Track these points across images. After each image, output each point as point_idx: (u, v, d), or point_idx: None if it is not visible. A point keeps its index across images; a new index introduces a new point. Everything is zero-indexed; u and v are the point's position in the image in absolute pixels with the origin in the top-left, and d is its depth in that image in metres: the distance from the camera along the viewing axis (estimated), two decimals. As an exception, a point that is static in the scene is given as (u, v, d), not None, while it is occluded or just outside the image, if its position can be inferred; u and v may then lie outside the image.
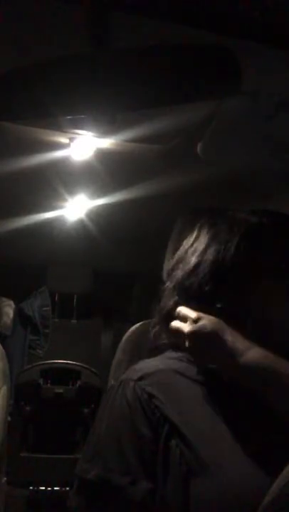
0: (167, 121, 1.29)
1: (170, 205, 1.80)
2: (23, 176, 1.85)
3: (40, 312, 3.33)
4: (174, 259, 0.87)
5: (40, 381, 2.78)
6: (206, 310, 0.77)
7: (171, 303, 0.83)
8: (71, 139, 1.54)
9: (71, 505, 0.73)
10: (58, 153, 1.62)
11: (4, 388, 1.55)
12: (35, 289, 3.36)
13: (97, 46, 0.77)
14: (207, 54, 0.72)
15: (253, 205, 0.93)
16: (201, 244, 0.81)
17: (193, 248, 0.82)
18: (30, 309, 3.30)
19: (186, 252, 0.84)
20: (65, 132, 1.49)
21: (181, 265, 0.83)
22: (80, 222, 2.58)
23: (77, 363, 2.86)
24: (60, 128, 1.45)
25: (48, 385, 2.81)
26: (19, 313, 3.28)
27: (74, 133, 1.49)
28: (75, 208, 2.42)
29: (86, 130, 1.43)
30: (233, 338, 0.72)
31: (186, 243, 0.85)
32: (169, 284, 0.85)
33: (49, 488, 2.53)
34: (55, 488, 2.53)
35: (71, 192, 2.15)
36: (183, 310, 0.79)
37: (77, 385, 2.81)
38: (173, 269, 0.86)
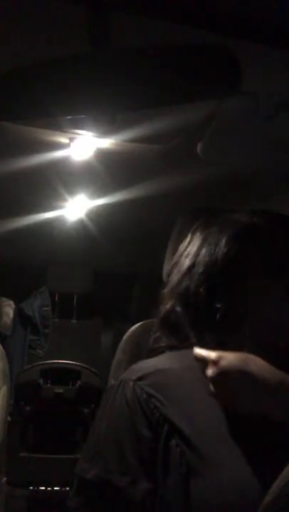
0: (167, 121, 1.29)
1: (170, 205, 1.80)
2: (23, 175, 1.85)
3: (40, 312, 3.33)
4: (170, 264, 0.87)
5: (40, 381, 2.78)
6: (204, 312, 0.76)
7: (167, 307, 0.83)
8: (71, 139, 1.54)
9: (70, 505, 0.73)
10: (58, 153, 1.62)
11: (4, 388, 1.55)
12: (35, 289, 3.36)
13: (97, 46, 0.76)
14: (207, 54, 0.72)
15: (253, 205, 0.93)
16: (194, 247, 0.82)
17: (187, 252, 0.83)
18: (30, 309, 3.30)
19: (180, 256, 0.84)
20: (65, 132, 1.49)
21: (176, 270, 0.84)
22: (80, 222, 2.58)
23: (77, 363, 2.86)
24: (60, 128, 1.45)
25: (48, 385, 2.81)
26: (19, 313, 3.28)
27: (74, 133, 1.49)
28: (75, 208, 2.42)
29: (86, 130, 1.43)
30: (261, 371, 0.68)
31: (181, 247, 0.86)
32: (166, 289, 0.85)
33: (49, 488, 2.53)
34: (55, 488, 2.53)
35: (71, 192, 2.15)
36: (199, 352, 0.74)
37: (77, 385, 2.81)
38: (169, 274, 0.86)
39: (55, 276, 3.29)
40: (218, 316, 0.75)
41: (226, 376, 0.69)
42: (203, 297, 0.77)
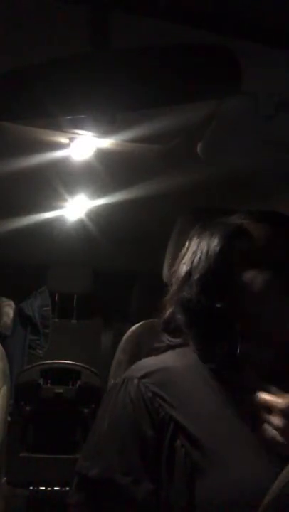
0: (167, 121, 1.29)
1: (170, 205, 1.80)
2: (23, 175, 1.85)
3: (40, 312, 3.33)
4: (170, 269, 0.88)
5: (40, 381, 2.78)
6: (206, 314, 0.77)
7: (168, 314, 0.84)
8: (71, 139, 1.54)
9: (70, 503, 0.73)
10: (58, 153, 1.62)
11: (4, 388, 1.55)
12: (35, 289, 3.36)
13: (97, 46, 0.76)
14: (207, 54, 0.72)
15: (253, 205, 0.93)
16: (189, 254, 0.83)
17: (184, 260, 0.84)
18: (30, 309, 3.30)
19: (179, 263, 0.85)
20: (65, 132, 1.49)
21: (175, 277, 0.85)
22: (80, 222, 2.58)
23: (77, 363, 2.86)
24: (60, 128, 1.45)
25: (48, 385, 2.81)
26: (19, 313, 3.28)
27: (74, 133, 1.49)
28: (75, 208, 2.42)
29: (86, 130, 1.43)
30: None
31: (180, 254, 0.86)
32: (167, 297, 0.86)
33: (49, 488, 2.52)
34: (55, 488, 2.52)
35: (71, 192, 2.15)
36: (263, 397, 0.70)
37: (77, 385, 2.81)
38: (169, 280, 0.87)
39: (55, 276, 3.29)
40: (218, 316, 0.75)
41: None
42: (202, 303, 0.77)
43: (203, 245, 0.80)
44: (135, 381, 0.74)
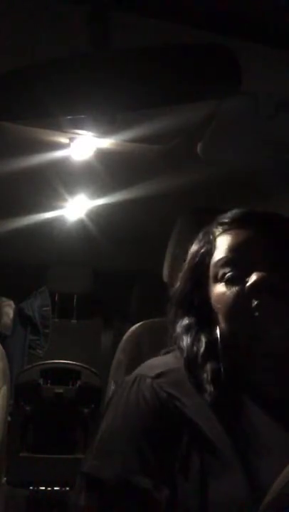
0: (167, 121, 1.29)
1: (170, 205, 1.80)
2: (23, 175, 1.85)
3: (40, 312, 3.33)
4: (171, 267, 0.88)
5: (40, 381, 2.78)
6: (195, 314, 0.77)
7: (170, 317, 0.83)
8: (71, 139, 1.54)
9: (80, 506, 0.68)
10: (58, 153, 1.63)
11: (4, 388, 1.55)
12: (35, 289, 3.36)
13: (97, 46, 0.76)
14: (207, 54, 0.72)
15: (253, 205, 0.93)
16: (190, 256, 0.83)
17: (186, 261, 0.84)
18: (30, 309, 3.30)
19: (184, 265, 0.85)
20: (65, 132, 1.49)
21: (174, 287, 0.85)
22: (80, 222, 2.58)
23: (77, 363, 2.86)
24: (60, 128, 1.45)
25: (48, 385, 2.81)
26: (19, 313, 3.28)
27: (74, 133, 1.49)
28: (75, 208, 2.42)
29: (86, 130, 1.43)
30: None
31: (186, 257, 0.86)
32: (171, 297, 0.85)
33: (49, 488, 2.52)
34: (55, 488, 2.52)
35: (71, 192, 2.15)
36: None
37: (77, 385, 2.81)
38: (172, 280, 0.88)
39: (55, 276, 3.29)
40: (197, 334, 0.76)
41: None
42: (204, 310, 0.77)
43: (195, 251, 0.81)
44: (148, 380, 0.73)
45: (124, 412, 0.72)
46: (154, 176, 1.83)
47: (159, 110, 1.12)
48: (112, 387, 1.44)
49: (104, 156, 1.66)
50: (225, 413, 0.68)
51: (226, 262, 0.73)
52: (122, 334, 1.48)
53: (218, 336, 0.74)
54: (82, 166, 1.76)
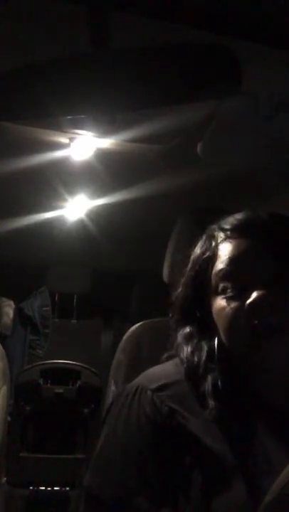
0: (167, 121, 1.29)
1: (170, 205, 1.80)
2: (23, 175, 1.85)
3: (40, 312, 3.33)
4: (171, 267, 0.86)
5: (40, 381, 2.78)
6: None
7: (172, 324, 0.82)
8: (71, 139, 1.54)
9: None
10: (58, 153, 1.63)
11: (4, 388, 1.55)
12: (35, 289, 3.36)
13: (97, 46, 0.76)
14: (207, 54, 0.72)
15: (253, 205, 0.93)
16: (187, 270, 0.82)
17: (188, 264, 0.82)
18: (30, 309, 3.30)
19: (186, 268, 0.84)
20: (65, 132, 1.49)
21: (176, 292, 0.83)
22: (80, 222, 2.58)
23: (77, 363, 2.86)
24: (60, 128, 1.45)
25: (48, 385, 2.81)
26: (19, 313, 3.28)
27: (74, 133, 1.49)
28: (75, 208, 2.42)
29: (86, 130, 1.43)
30: None
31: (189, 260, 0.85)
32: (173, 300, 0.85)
33: (49, 488, 2.52)
34: (55, 488, 2.52)
35: (71, 192, 2.15)
36: None
37: (77, 385, 2.81)
38: (172, 281, 0.87)
39: (55, 276, 3.29)
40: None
41: None
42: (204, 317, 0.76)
43: (196, 257, 0.79)
44: (149, 393, 0.71)
45: (125, 430, 0.70)
46: (154, 176, 1.83)
47: (159, 110, 1.12)
48: (112, 387, 1.44)
49: (104, 156, 1.66)
50: (229, 427, 0.66)
51: (225, 275, 0.71)
52: (122, 334, 1.48)
53: (216, 347, 0.72)
54: (82, 166, 1.76)
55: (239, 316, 0.68)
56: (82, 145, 1.57)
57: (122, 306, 3.03)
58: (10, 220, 2.40)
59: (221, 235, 0.75)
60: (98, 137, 1.50)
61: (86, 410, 2.77)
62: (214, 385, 0.69)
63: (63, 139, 1.54)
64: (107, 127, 1.31)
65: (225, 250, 0.73)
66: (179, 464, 0.65)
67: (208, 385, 0.69)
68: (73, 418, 2.79)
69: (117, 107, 0.78)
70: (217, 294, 0.72)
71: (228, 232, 0.74)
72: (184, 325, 0.78)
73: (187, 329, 0.77)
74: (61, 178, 1.97)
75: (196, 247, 0.80)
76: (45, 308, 3.35)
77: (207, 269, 0.75)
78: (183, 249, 0.86)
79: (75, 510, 0.73)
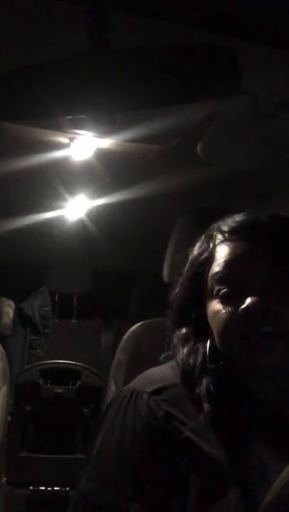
0: (167, 121, 1.29)
1: (170, 205, 1.80)
2: (23, 175, 1.85)
3: (40, 312, 3.33)
4: (171, 268, 0.86)
5: (40, 381, 2.78)
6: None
7: (168, 325, 0.81)
8: (71, 139, 1.54)
9: None
10: (58, 153, 1.63)
11: (4, 388, 1.55)
12: (35, 289, 3.36)
13: (97, 46, 0.76)
14: (207, 54, 0.72)
15: (253, 205, 0.93)
16: (185, 270, 0.81)
17: (182, 276, 0.82)
18: (30, 309, 3.30)
19: (185, 269, 0.83)
20: (65, 132, 1.49)
21: (178, 284, 0.82)
22: (80, 222, 2.59)
23: (77, 363, 2.86)
24: (60, 128, 1.45)
25: (48, 385, 2.81)
26: (19, 313, 3.28)
27: (74, 133, 1.49)
28: (75, 208, 2.42)
29: (86, 130, 1.43)
30: None
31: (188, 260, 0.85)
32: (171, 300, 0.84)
33: (49, 488, 2.53)
34: (55, 488, 2.52)
35: (71, 192, 2.16)
36: None
37: (77, 385, 2.81)
38: (171, 281, 0.86)
39: (55, 276, 3.29)
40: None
41: None
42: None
43: (193, 259, 0.78)
44: (145, 397, 0.70)
45: (120, 433, 0.69)
46: (154, 176, 1.83)
47: (159, 110, 1.12)
48: (112, 387, 1.44)
49: (104, 156, 1.66)
50: (225, 431, 0.66)
51: (221, 278, 0.70)
52: (122, 334, 1.48)
53: (207, 350, 0.72)
54: (82, 166, 1.76)
55: (233, 321, 0.67)
56: (82, 145, 1.57)
57: (122, 306, 3.03)
58: (10, 220, 2.40)
59: (219, 237, 0.74)
60: (98, 137, 1.50)
61: (86, 410, 2.77)
62: (208, 388, 0.68)
63: (63, 139, 1.54)
64: (107, 127, 1.31)
65: (222, 253, 0.72)
66: (175, 468, 0.64)
67: (203, 388, 0.69)
68: (73, 418, 2.79)
69: (117, 107, 0.78)
70: (213, 296, 0.71)
71: (226, 235, 0.73)
72: (181, 326, 0.78)
73: (183, 330, 0.77)
74: (61, 178, 1.97)
75: (194, 248, 0.79)
76: (45, 308, 3.35)
77: (204, 271, 0.75)
78: (183, 250, 0.86)
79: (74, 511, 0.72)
